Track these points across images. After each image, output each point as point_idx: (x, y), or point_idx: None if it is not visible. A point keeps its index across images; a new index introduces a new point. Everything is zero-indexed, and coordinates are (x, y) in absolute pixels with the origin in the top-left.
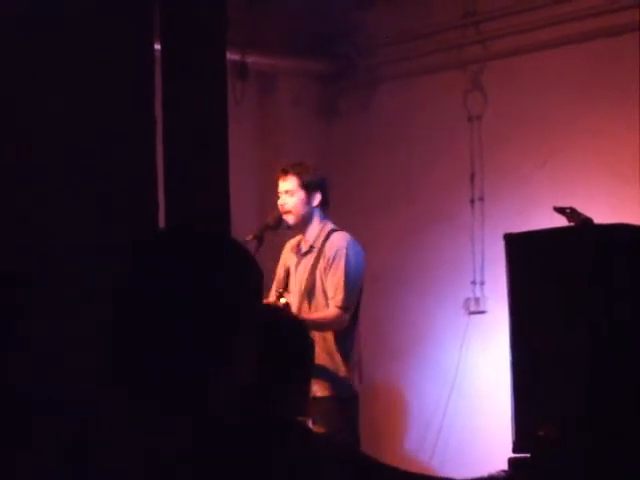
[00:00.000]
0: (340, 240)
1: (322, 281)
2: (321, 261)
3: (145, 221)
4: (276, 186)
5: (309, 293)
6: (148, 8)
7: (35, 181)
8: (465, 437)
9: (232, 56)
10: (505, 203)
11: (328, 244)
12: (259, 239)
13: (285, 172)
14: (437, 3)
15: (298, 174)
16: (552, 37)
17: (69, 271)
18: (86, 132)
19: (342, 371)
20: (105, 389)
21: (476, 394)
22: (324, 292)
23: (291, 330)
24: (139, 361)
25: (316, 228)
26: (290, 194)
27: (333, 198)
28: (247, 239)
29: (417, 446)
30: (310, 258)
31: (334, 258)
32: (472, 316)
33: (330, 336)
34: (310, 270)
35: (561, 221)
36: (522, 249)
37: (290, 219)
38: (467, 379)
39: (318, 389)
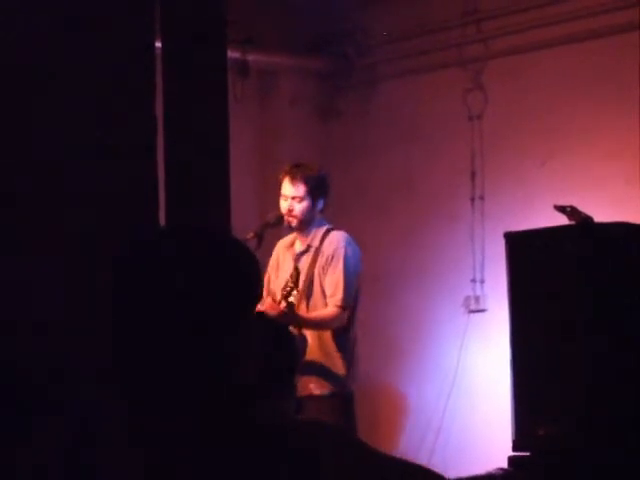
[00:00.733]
0: (338, 239)
1: (320, 279)
2: (319, 259)
3: (146, 220)
4: (277, 184)
5: (308, 291)
6: (149, 6)
7: (35, 180)
8: (465, 436)
9: (232, 54)
10: (505, 202)
11: (326, 243)
12: (259, 237)
13: (293, 177)
14: (437, 1)
15: (306, 181)
16: (553, 36)
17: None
18: (86, 130)
19: (339, 369)
20: (104, 389)
21: (476, 392)
22: (322, 290)
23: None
24: (139, 361)
25: (314, 228)
26: (298, 200)
27: (333, 197)
28: (247, 237)
29: (417, 444)
30: (307, 257)
31: (332, 257)
32: (472, 314)
33: (327, 334)
34: (308, 268)
35: (561, 220)
36: (522, 247)
37: (294, 222)
38: (467, 377)
39: (315, 387)
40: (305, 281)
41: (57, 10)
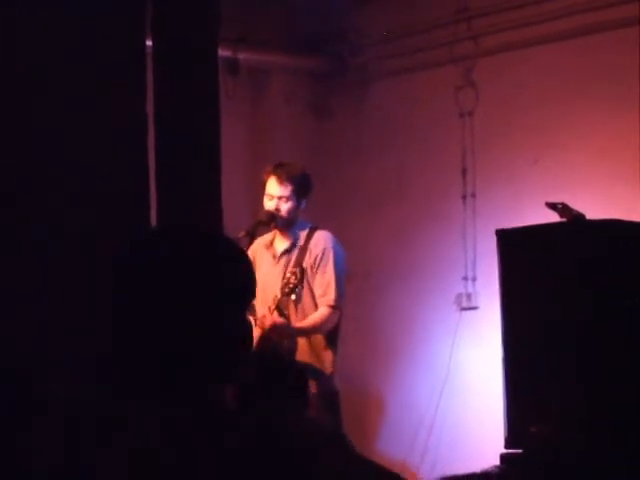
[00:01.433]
0: (325, 239)
1: (308, 279)
2: (307, 258)
3: (137, 219)
4: (263, 184)
5: (294, 290)
6: (140, 4)
7: (26, 180)
8: (457, 433)
9: (224, 52)
10: (497, 199)
11: (313, 242)
12: (251, 235)
13: (280, 177)
14: (428, 0)
15: (293, 181)
16: (544, 33)
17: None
18: (76, 129)
19: (327, 368)
20: (104, 387)
21: (468, 390)
22: (310, 289)
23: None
24: (138, 360)
25: (297, 227)
26: (284, 200)
27: (325, 195)
28: (239, 235)
29: (409, 442)
30: (292, 256)
31: (322, 256)
32: (464, 312)
33: (318, 335)
34: (294, 267)
35: (553, 217)
36: (514, 245)
37: (279, 221)
38: (459, 375)
39: None
40: (292, 280)
41: (48, 9)
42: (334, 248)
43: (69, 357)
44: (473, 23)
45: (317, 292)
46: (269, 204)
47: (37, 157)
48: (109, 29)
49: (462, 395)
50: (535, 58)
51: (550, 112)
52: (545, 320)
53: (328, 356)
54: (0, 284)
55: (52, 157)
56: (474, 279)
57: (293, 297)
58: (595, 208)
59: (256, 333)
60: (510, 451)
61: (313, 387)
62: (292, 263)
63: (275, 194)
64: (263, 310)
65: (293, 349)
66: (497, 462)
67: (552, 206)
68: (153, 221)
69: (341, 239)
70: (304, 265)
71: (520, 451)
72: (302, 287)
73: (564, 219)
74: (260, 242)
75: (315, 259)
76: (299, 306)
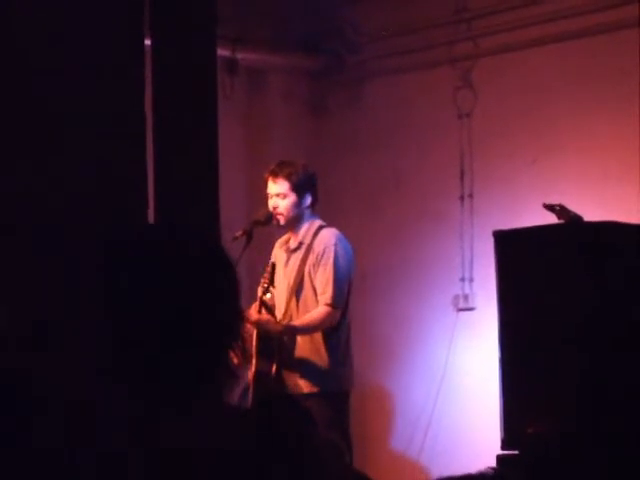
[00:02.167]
0: (329, 236)
1: (311, 277)
2: (310, 257)
3: (134, 217)
4: (265, 184)
5: (297, 288)
6: (138, 4)
7: (21, 181)
8: (453, 434)
9: (222, 52)
10: (494, 200)
11: (317, 240)
12: (248, 235)
13: (275, 175)
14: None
15: (289, 177)
16: (543, 34)
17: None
18: (75, 129)
19: (329, 367)
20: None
21: (465, 391)
22: (313, 288)
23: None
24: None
25: (305, 225)
26: (282, 197)
27: (322, 195)
28: (237, 235)
29: (406, 443)
30: (299, 254)
31: (323, 254)
32: (461, 313)
33: (318, 332)
34: (299, 266)
35: (550, 218)
36: (511, 246)
37: (281, 219)
38: (455, 376)
39: (304, 385)
40: (295, 278)
41: (46, 8)
42: (336, 246)
43: (68, 354)
44: (472, 24)
45: (318, 290)
46: (269, 203)
47: (33, 157)
48: (107, 28)
49: (459, 396)
50: (534, 59)
51: (548, 114)
52: (542, 321)
53: (328, 355)
54: None
55: (49, 157)
56: (471, 280)
57: (268, 296)
58: (593, 210)
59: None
60: (506, 452)
61: (314, 387)
62: (298, 262)
63: (272, 192)
64: (280, 308)
65: (292, 346)
66: (493, 463)
67: (550, 207)
68: (151, 220)
69: None
70: (307, 263)
71: (517, 452)
72: (274, 286)
73: (562, 220)
74: (279, 241)
75: (317, 257)
76: (301, 304)
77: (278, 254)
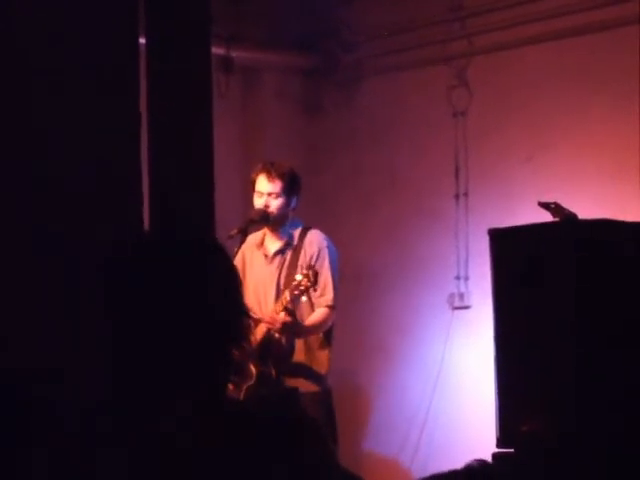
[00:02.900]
0: (319, 238)
1: None
2: (301, 258)
3: (129, 218)
4: (253, 182)
5: (306, 292)
6: (133, 3)
7: (18, 180)
8: (449, 432)
9: (217, 50)
10: (489, 198)
11: (307, 241)
12: (243, 233)
13: (270, 174)
14: None
15: (283, 178)
16: (537, 32)
17: (55, 271)
18: (69, 129)
19: (322, 367)
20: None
21: (460, 389)
22: None
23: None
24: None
25: (289, 226)
26: (274, 197)
27: (317, 193)
28: (231, 233)
29: (401, 441)
30: (286, 255)
31: (317, 256)
32: (456, 311)
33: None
34: (289, 267)
35: (545, 216)
36: (506, 244)
37: (270, 219)
38: (451, 374)
39: (300, 385)
40: (287, 279)
41: (43, 7)
42: (328, 248)
43: (67, 358)
44: (467, 22)
45: (316, 292)
46: (259, 202)
47: (28, 158)
48: (102, 28)
49: (454, 394)
50: (529, 57)
51: (543, 112)
52: (537, 319)
53: (323, 356)
54: None
55: (45, 157)
56: (466, 278)
57: (304, 299)
58: (587, 208)
59: (261, 331)
60: (502, 450)
61: (309, 386)
62: (287, 263)
63: (265, 191)
64: (256, 309)
65: (291, 349)
66: (488, 460)
67: (545, 205)
68: (146, 219)
69: (333, 237)
70: (299, 264)
71: (512, 450)
72: (315, 290)
73: (557, 219)
74: (250, 241)
75: (311, 259)
76: (294, 306)
77: (251, 255)
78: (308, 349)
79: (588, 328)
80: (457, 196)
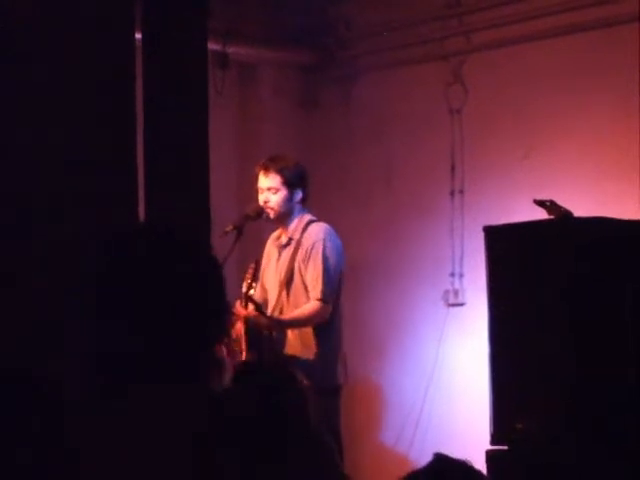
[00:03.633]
0: (318, 231)
1: (301, 272)
2: (299, 252)
3: (125, 213)
4: (256, 178)
5: (288, 284)
6: None
7: (15, 181)
8: (443, 429)
9: (213, 46)
10: (485, 196)
11: (306, 235)
12: (239, 230)
13: (267, 169)
14: None
15: (281, 171)
16: (534, 30)
17: (51, 269)
18: (65, 127)
19: (319, 363)
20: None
21: (454, 386)
22: (303, 283)
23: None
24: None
25: (295, 221)
26: (273, 191)
27: (312, 190)
28: (227, 229)
29: (395, 438)
30: (289, 250)
31: (312, 250)
32: (451, 308)
33: (308, 329)
34: (289, 261)
35: (541, 214)
36: (502, 241)
37: (271, 214)
38: (445, 371)
39: None
40: (286, 274)
41: (39, 5)
42: (325, 241)
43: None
44: (464, 19)
45: (309, 287)
46: (260, 197)
47: (25, 157)
48: (98, 23)
49: (448, 391)
50: (525, 55)
51: (540, 109)
52: (532, 317)
53: (319, 351)
54: None
55: (42, 156)
56: (461, 275)
57: (252, 292)
58: (583, 206)
59: (240, 325)
60: (496, 447)
61: (304, 380)
62: (288, 257)
63: (263, 186)
64: (272, 303)
65: (282, 340)
66: (482, 458)
67: (540, 203)
68: (141, 215)
69: None
70: (297, 259)
71: (506, 447)
72: (257, 283)
73: (552, 216)
74: (272, 236)
75: (305, 252)
76: (292, 299)
77: (270, 250)
78: (303, 342)
79: (583, 326)
80: (453, 193)
